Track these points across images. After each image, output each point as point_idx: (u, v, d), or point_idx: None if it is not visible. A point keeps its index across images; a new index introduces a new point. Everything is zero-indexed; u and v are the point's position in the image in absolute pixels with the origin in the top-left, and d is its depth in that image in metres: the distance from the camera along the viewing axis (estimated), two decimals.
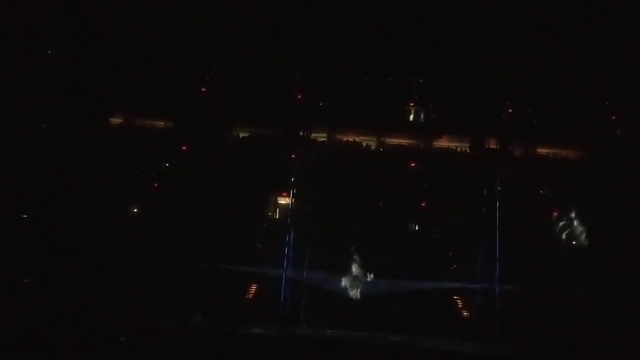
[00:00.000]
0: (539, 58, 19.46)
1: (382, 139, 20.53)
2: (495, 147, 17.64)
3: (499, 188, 17.41)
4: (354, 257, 16.91)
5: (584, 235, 17.02)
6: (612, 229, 18.06)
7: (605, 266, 16.91)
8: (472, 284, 17.37)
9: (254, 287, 17.70)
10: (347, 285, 16.66)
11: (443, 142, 20.44)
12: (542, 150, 19.76)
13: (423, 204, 19.09)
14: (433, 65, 20.05)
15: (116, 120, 20.99)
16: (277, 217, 19.87)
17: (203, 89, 20.86)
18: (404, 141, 20.60)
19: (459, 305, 17.71)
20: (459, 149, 20.30)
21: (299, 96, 17.30)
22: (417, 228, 19.32)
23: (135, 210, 19.09)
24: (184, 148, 20.58)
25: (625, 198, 18.70)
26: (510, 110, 17.93)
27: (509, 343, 15.75)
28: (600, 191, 18.82)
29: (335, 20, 19.91)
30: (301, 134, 17.36)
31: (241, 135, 20.67)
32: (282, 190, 18.99)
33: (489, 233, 17.26)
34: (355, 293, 16.57)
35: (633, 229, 17.92)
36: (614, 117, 19.78)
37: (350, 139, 20.25)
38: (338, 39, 19.73)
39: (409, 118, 21.15)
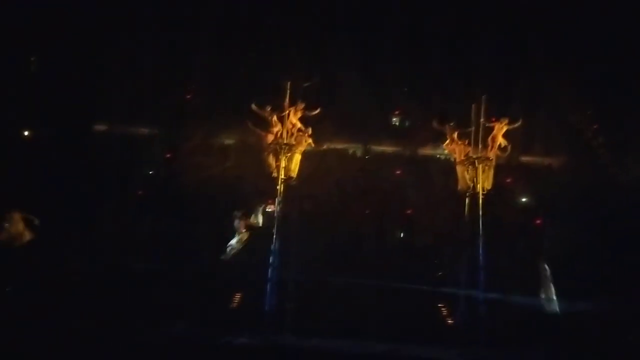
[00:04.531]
0: (522, 65, 19.75)
1: (367, 146, 20.66)
2: (479, 155, 17.68)
3: (483, 195, 17.49)
4: None
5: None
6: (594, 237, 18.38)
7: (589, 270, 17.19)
8: (458, 291, 17.42)
9: (237, 294, 17.59)
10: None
11: (427, 150, 20.60)
12: (525, 158, 20.07)
13: (409, 211, 19.27)
14: (418, 72, 20.26)
15: (99, 128, 20.83)
16: (262, 225, 19.79)
17: (188, 96, 20.80)
18: (389, 148, 20.74)
19: (444, 313, 17.73)
20: (443, 157, 20.40)
21: (285, 103, 17.26)
22: (402, 235, 19.49)
23: (120, 217, 18.89)
24: (168, 155, 20.53)
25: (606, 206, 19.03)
26: (493, 119, 18.02)
27: (493, 350, 15.77)
28: (580, 199, 19.15)
29: (320, 27, 20.01)
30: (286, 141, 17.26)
31: (226, 142, 20.64)
32: (267, 198, 18.91)
33: (474, 240, 17.31)
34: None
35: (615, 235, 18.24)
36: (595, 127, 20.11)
37: (336, 146, 20.36)
38: (323, 45, 19.86)
39: (394, 125, 21.34)
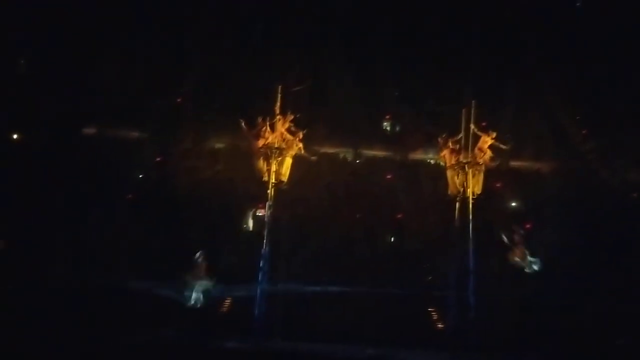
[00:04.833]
0: (512, 70, 19.89)
1: (358, 151, 20.74)
2: (468, 159, 17.77)
3: (473, 200, 17.60)
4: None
5: None
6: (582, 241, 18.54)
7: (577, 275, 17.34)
8: (448, 294, 17.48)
9: (227, 301, 17.57)
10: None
11: (418, 155, 20.69)
12: (515, 163, 20.22)
13: (399, 216, 19.36)
14: (409, 77, 20.37)
15: (89, 131, 20.73)
16: (252, 229, 19.81)
17: (178, 100, 20.76)
18: (380, 153, 20.82)
19: (434, 317, 17.79)
20: (433, 162, 20.48)
21: (275, 108, 17.28)
22: (392, 239, 19.57)
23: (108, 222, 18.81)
24: (158, 159, 20.47)
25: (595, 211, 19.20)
26: (484, 124, 18.13)
27: (484, 353, 15.83)
28: (570, 203, 19.32)
29: (310, 31, 20.07)
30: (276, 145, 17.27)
31: (216, 146, 20.62)
32: (258, 202, 18.92)
33: (464, 245, 17.40)
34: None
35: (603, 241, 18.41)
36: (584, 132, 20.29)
37: (327, 150, 20.41)
38: (315, 50, 19.92)
39: (385, 130, 21.46)
